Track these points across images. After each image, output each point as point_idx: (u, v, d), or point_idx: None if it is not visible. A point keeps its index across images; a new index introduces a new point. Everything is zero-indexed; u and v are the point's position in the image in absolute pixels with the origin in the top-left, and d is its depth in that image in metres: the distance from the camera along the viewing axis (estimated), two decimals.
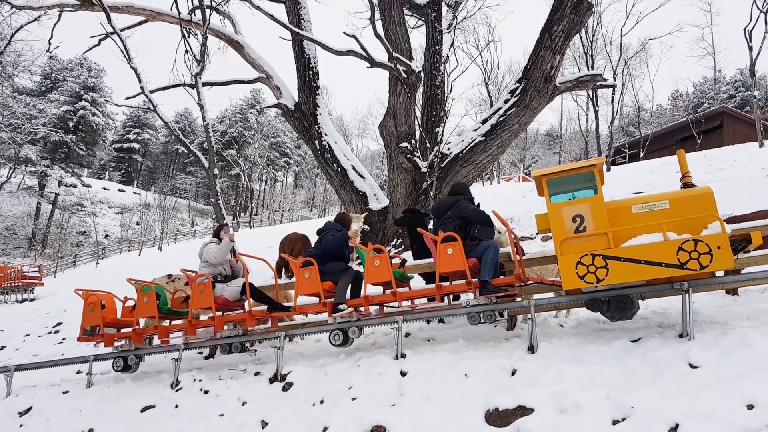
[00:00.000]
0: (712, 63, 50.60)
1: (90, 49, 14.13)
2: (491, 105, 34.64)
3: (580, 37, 29.74)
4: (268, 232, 31.02)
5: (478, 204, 6.53)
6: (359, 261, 8.15)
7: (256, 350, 7.71)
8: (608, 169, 25.62)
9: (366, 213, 10.63)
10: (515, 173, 51.12)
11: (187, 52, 12.84)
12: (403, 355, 5.88)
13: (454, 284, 6.16)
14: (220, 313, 7.05)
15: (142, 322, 7.70)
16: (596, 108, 29.85)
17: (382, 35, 11.33)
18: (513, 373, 5.11)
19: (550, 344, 5.47)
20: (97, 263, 34.92)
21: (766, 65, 59.22)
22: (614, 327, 5.76)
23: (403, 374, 5.55)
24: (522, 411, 4.48)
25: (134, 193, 64.99)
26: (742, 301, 6.08)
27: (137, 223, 55.18)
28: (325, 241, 6.60)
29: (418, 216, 7.65)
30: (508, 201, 17.63)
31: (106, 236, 52.48)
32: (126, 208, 59.28)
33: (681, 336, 5.05)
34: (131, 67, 11.66)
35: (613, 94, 30.63)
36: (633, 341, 5.20)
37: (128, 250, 40.70)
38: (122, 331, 7.77)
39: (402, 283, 6.66)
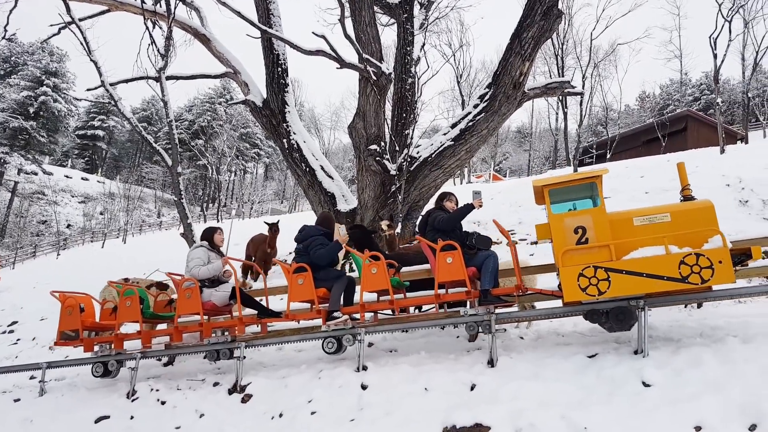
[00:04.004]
0: (678, 66, 51.93)
1: (49, 38, 13.60)
2: (463, 104, 34.83)
3: (552, 39, 30.10)
4: (237, 226, 30.58)
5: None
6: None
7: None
8: (575, 171, 26.03)
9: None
10: (485, 170, 51.48)
11: (151, 44, 12.49)
12: (365, 368, 5.86)
13: (452, 293, 6.06)
14: (206, 318, 6.81)
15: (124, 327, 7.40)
16: (565, 110, 30.33)
17: (352, 35, 11.18)
18: (472, 388, 5.13)
19: (509, 358, 5.51)
20: (58, 254, 33.95)
21: (729, 69, 60.98)
22: (572, 341, 5.84)
23: (363, 387, 5.53)
24: (479, 429, 4.50)
25: (98, 181, 63.14)
26: (697, 317, 6.22)
27: (101, 213, 53.79)
28: (317, 255, 6.28)
29: (365, 233, 7.63)
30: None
31: (68, 226, 51.04)
32: (89, 197, 57.72)
33: (636, 353, 5.13)
34: (91, 60, 11.25)
35: (581, 97, 31.14)
36: (590, 357, 5.28)
37: (91, 241, 39.73)
38: (102, 335, 7.45)
39: (397, 290, 6.53)
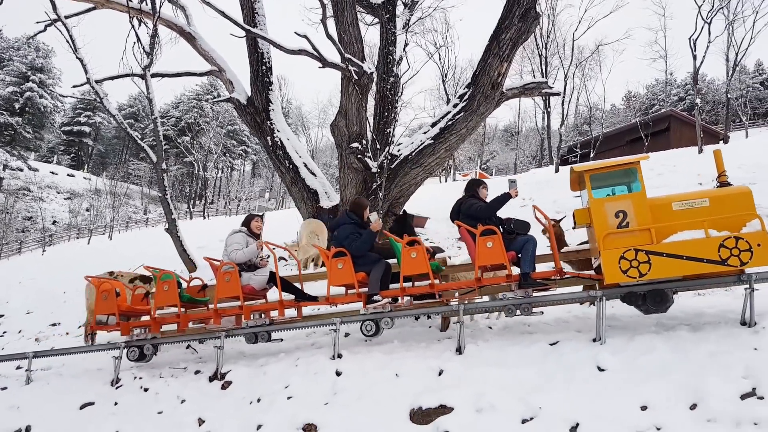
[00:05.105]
0: (663, 66, 52.58)
1: (35, 34, 13.67)
2: (447, 102, 35.17)
3: (535, 38, 30.48)
4: (223, 224, 30.74)
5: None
6: None
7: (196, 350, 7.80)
8: (556, 170, 26.44)
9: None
10: (472, 168, 51.88)
11: (136, 42, 12.62)
12: (340, 356, 6.11)
13: (494, 277, 6.30)
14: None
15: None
16: (548, 110, 30.74)
17: (335, 36, 11.43)
18: (440, 374, 5.41)
19: (476, 346, 5.80)
20: (44, 251, 33.83)
21: (714, 70, 61.93)
22: (536, 330, 6.15)
23: (338, 374, 5.78)
24: (443, 410, 4.80)
25: (84, 178, 62.81)
26: None
27: (87, 210, 53.54)
28: (354, 247, 6.36)
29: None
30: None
31: (54, 222, 50.75)
32: (75, 194, 57.37)
33: (594, 340, 5.45)
34: (77, 57, 11.37)
35: (563, 97, 31.57)
36: (551, 344, 5.59)
37: (77, 238, 39.58)
38: (134, 319, 7.56)
39: (434, 274, 6.53)
